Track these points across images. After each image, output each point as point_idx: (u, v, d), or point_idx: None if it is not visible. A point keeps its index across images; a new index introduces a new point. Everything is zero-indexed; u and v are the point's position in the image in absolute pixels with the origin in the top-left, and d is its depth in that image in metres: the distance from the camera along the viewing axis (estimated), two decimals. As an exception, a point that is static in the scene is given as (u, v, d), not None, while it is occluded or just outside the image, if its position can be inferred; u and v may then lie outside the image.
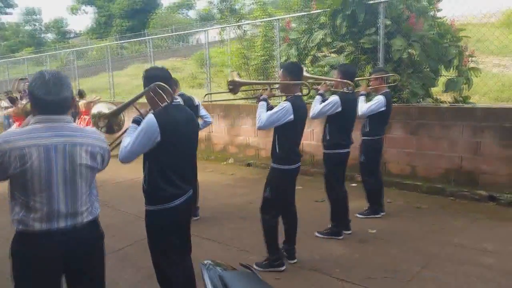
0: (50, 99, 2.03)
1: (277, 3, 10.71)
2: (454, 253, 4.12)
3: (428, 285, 3.52)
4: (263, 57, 9.86)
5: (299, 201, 4.09)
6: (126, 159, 2.70)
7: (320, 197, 5.52)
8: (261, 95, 3.87)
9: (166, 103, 2.75)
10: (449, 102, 6.94)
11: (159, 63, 12.11)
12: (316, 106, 4.30)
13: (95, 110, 2.94)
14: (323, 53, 7.92)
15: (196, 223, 4.65)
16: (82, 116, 9.78)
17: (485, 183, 5.59)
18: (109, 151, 2.33)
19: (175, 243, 2.85)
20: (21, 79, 12.64)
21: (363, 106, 4.77)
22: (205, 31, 9.59)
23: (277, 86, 4.07)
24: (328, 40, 7.18)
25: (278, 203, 3.85)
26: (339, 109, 4.32)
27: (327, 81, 4.63)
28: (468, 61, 6.83)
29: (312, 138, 7.40)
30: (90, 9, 51.49)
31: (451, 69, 6.95)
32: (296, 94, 3.75)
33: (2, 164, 1.97)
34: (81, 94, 10.24)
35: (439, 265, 3.88)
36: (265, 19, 9.43)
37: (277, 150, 3.73)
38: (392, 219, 5.11)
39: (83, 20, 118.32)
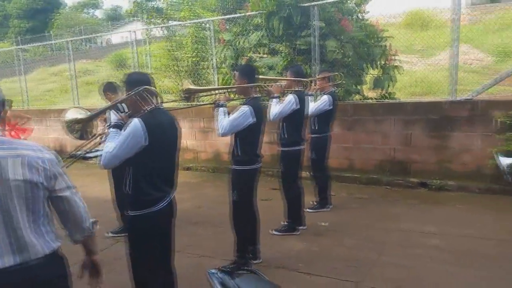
0: None
1: (206, 2, 10.64)
2: (403, 238, 4.46)
3: (389, 270, 3.79)
4: (194, 59, 9.76)
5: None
6: (110, 164, 2.66)
7: (265, 195, 5.62)
8: (219, 101, 3.87)
9: (152, 106, 2.71)
10: (375, 98, 7.46)
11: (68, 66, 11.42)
12: (275, 108, 4.39)
13: (69, 115, 2.77)
14: (259, 55, 8.06)
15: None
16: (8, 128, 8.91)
17: (416, 171, 6.12)
18: (56, 163, 1.88)
19: (159, 247, 2.80)
20: None
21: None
22: (130, 32, 9.24)
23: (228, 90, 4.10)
24: (264, 41, 7.33)
25: (247, 204, 3.88)
26: (297, 107, 4.46)
27: (279, 83, 4.75)
28: (392, 60, 7.39)
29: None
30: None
31: (377, 67, 7.47)
32: (253, 96, 3.81)
33: None
34: (6, 104, 9.15)
35: (393, 250, 4.18)
36: (197, 20, 9.34)
37: (239, 153, 3.76)
38: (339, 211, 5.39)
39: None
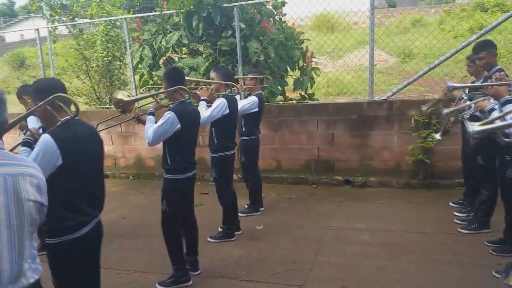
0: None
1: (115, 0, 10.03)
2: (336, 236, 4.58)
3: (328, 269, 3.85)
4: (106, 58, 9.16)
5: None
6: None
7: (196, 201, 5.42)
8: (152, 109, 3.64)
9: (67, 117, 2.38)
10: (296, 99, 7.62)
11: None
12: (204, 112, 4.21)
13: None
14: (179, 55, 7.80)
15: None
16: None
17: (340, 169, 6.34)
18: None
19: (85, 275, 2.50)
20: None
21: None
22: (37, 29, 8.40)
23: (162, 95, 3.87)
24: (184, 41, 7.09)
25: (177, 214, 3.68)
26: (227, 111, 4.33)
27: (206, 85, 4.59)
28: (311, 62, 7.60)
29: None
30: None
31: (296, 69, 7.62)
32: (180, 100, 3.60)
33: None
34: None
35: (329, 249, 4.27)
36: (110, 18, 8.77)
37: (169, 162, 3.55)
38: (271, 212, 5.38)
39: None
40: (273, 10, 7.72)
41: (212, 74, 4.61)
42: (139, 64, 7.77)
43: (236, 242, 4.56)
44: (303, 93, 7.54)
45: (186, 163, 3.59)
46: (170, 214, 3.62)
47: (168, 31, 7.37)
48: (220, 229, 4.66)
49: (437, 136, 4.78)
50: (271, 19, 7.39)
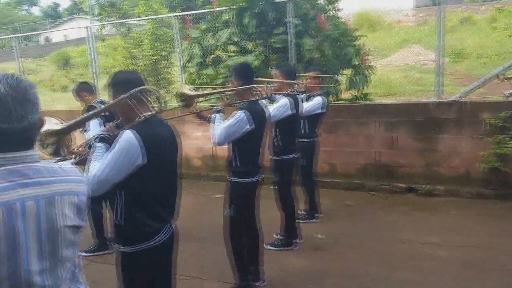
0: (10, 127, 1.24)
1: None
2: (408, 249, 4.17)
3: (406, 286, 3.47)
4: (153, 57, 9.09)
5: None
6: (99, 190, 2.08)
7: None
8: (217, 107, 3.39)
9: (150, 113, 2.18)
10: (348, 99, 7.22)
11: (10, 65, 10.25)
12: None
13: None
14: (228, 53, 7.56)
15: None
16: None
17: (402, 175, 5.90)
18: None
19: (157, 285, 2.32)
20: None
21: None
22: (87, 28, 8.39)
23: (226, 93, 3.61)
24: (235, 39, 6.85)
25: (243, 220, 3.41)
26: (291, 112, 4.04)
27: (270, 84, 4.29)
28: (366, 60, 7.19)
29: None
30: None
31: (350, 67, 7.23)
32: (250, 99, 3.35)
33: None
34: None
35: (402, 264, 3.88)
36: (160, 16, 8.66)
37: (238, 164, 3.29)
38: (330, 220, 5.03)
39: None
40: (326, 6, 7.37)
41: (275, 72, 4.33)
42: (188, 63, 7.61)
43: (296, 252, 4.25)
44: (356, 92, 7.16)
45: (254, 166, 3.34)
46: (236, 220, 3.37)
47: (218, 28, 7.16)
48: (278, 237, 4.37)
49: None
50: (324, 14, 7.04)
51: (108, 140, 2.26)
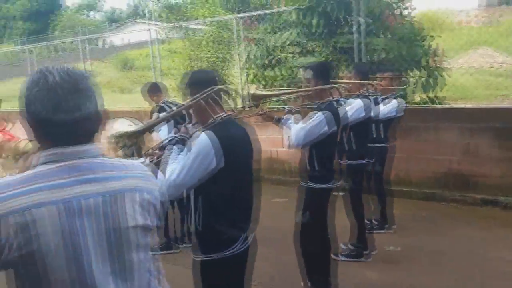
0: (62, 119, 1.14)
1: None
2: (502, 269, 3.73)
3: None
4: (212, 59, 9.11)
5: (293, 217, 3.48)
6: (175, 195, 2.01)
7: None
8: (290, 107, 3.23)
9: (226, 114, 2.07)
10: (417, 103, 6.80)
11: (76, 67, 10.68)
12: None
13: (117, 128, 2.09)
14: (291, 54, 7.39)
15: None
16: None
17: (481, 186, 5.41)
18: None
19: None
20: None
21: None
22: (149, 30, 8.56)
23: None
24: (298, 39, 6.65)
25: (315, 228, 3.22)
26: (364, 114, 3.79)
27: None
28: (442, 61, 6.74)
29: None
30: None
31: (419, 69, 6.82)
32: (328, 100, 3.15)
33: None
34: None
35: (486, 282, 3.50)
36: (223, 17, 8.67)
37: (315, 167, 3.09)
38: (403, 232, 4.68)
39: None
40: (395, 4, 7.00)
41: (349, 73, 4.11)
42: (248, 65, 7.52)
43: (368, 264, 3.98)
44: (428, 95, 6.73)
45: (330, 170, 3.14)
46: (310, 227, 3.18)
47: (279, 29, 7.02)
48: (347, 246, 4.11)
49: None
50: (394, 13, 6.68)
51: (184, 142, 2.16)
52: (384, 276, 3.72)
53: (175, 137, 2.15)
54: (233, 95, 2.14)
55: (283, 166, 7.06)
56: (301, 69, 3.80)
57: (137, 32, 11.08)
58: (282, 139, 6.80)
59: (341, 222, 4.02)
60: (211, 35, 9.18)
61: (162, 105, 4.40)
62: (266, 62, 7.09)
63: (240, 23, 7.28)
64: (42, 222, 1.08)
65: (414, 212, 5.30)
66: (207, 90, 2.02)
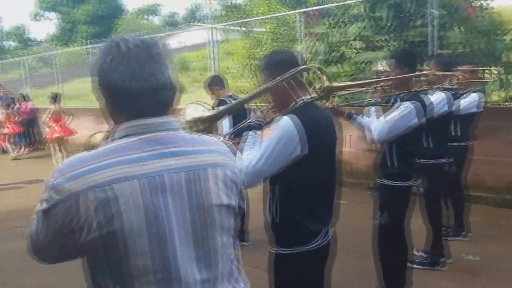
0: (139, 87, 1.03)
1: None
2: None
3: None
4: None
5: (354, 220, 3.18)
6: (252, 183, 1.80)
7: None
8: (370, 99, 2.98)
9: (308, 98, 1.88)
10: (494, 101, 6.24)
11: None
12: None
13: (190, 113, 1.97)
14: (353, 50, 7.08)
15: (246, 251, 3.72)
16: (50, 124, 8.58)
17: None
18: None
19: None
20: None
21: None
22: (211, 27, 8.56)
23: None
24: (366, 33, 6.35)
25: (395, 230, 2.94)
26: (446, 108, 3.46)
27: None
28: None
29: (348, 144, 6.49)
30: (53, 16, 49.39)
31: (499, 65, 6.26)
32: (414, 89, 2.89)
33: (64, 228, 0.98)
34: (55, 99, 8.81)
35: None
36: (286, 13, 8.50)
37: (395, 164, 2.81)
38: (482, 241, 4.24)
39: (45, 27, 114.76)
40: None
41: (429, 63, 3.78)
42: (310, 61, 7.29)
43: (444, 273, 3.61)
44: (504, 94, 6.17)
45: (412, 167, 2.85)
46: (389, 229, 2.91)
47: (345, 23, 6.73)
48: (420, 254, 3.77)
49: None
50: (473, 5, 6.21)
51: (260, 127, 2.00)
52: (464, 286, 3.36)
53: (251, 122, 1.99)
54: (319, 75, 1.92)
55: (344, 166, 6.74)
56: (380, 62, 3.53)
57: (194, 35, 11.21)
58: (344, 138, 6.53)
59: (414, 226, 3.71)
60: (271, 32, 9.02)
61: (223, 98, 4.30)
62: (329, 58, 6.83)
63: (303, 18, 7.06)
64: (124, 198, 0.96)
65: (492, 219, 4.83)
66: (291, 71, 1.83)
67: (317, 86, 1.91)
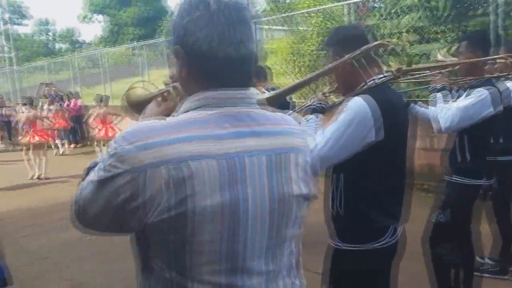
0: (227, 53, 0.88)
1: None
2: None
3: None
4: (317, 52, 8.69)
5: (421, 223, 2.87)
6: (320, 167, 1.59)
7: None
8: (435, 85, 2.68)
9: (383, 77, 1.68)
10: None
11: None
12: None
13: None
14: (408, 42, 6.70)
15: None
16: (95, 125, 8.93)
17: None
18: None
19: None
20: (47, 83, 11.82)
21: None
22: (254, 23, 8.42)
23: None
24: (421, 24, 5.98)
25: (457, 230, 2.66)
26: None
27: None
28: None
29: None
30: (101, 18, 51.32)
31: None
32: (487, 75, 2.58)
33: (123, 203, 0.84)
34: (102, 101, 9.22)
35: None
36: (331, 5, 8.24)
37: (466, 159, 2.53)
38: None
39: (93, 30, 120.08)
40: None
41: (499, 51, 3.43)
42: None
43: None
44: None
45: (484, 164, 2.56)
46: (449, 228, 2.62)
47: (398, 14, 6.38)
48: (486, 261, 3.42)
49: None
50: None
51: (323, 111, 1.80)
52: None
53: (312, 105, 1.80)
54: (400, 53, 1.72)
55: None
56: (440, 51, 3.24)
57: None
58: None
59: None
60: (317, 26, 8.76)
61: (265, 90, 4.12)
62: (380, 51, 6.50)
63: (352, 10, 6.77)
64: (200, 179, 0.82)
65: None
66: (364, 47, 1.63)
67: (393, 66, 1.69)
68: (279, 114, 1.00)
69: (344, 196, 1.63)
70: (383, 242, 1.62)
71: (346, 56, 1.64)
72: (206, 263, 0.87)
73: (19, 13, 52.90)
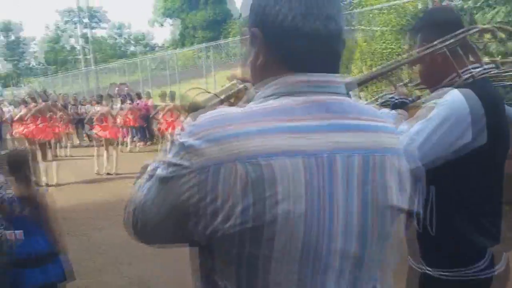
0: (313, 29, 0.75)
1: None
2: None
3: None
4: (388, 50, 8.25)
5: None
6: None
7: None
8: None
9: (484, 68, 1.42)
10: None
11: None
12: None
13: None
14: (485, 40, 6.12)
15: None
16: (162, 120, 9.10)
17: None
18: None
19: None
20: (120, 84, 12.47)
21: None
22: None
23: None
24: (510, 19, 5.40)
25: None
26: None
27: None
28: None
29: None
30: (170, 22, 53.52)
31: None
32: None
33: (188, 206, 0.70)
34: (170, 96, 9.50)
35: None
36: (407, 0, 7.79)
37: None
38: None
39: (163, 33, 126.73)
40: None
41: None
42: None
43: None
44: None
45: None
46: None
47: (481, 8, 5.84)
48: None
49: None
50: None
51: (406, 106, 1.56)
52: None
53: (391, 99, 1.56)
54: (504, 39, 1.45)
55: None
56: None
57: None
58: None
59: None
60: (388, 24, 8.34)
61: None
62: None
63: (430, 4, 6.31)
64: (284, 181, 0.69)
65: None
66: (459, 32, 1.39)
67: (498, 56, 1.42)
68: (372, 108, 0.84)
69: (435, 212, 1.37)
70: (482, 267, 1.34)
71: (437, 42, 1.39)
72: (281, 283, 0.72)
73: (98, 17, 56.78)
